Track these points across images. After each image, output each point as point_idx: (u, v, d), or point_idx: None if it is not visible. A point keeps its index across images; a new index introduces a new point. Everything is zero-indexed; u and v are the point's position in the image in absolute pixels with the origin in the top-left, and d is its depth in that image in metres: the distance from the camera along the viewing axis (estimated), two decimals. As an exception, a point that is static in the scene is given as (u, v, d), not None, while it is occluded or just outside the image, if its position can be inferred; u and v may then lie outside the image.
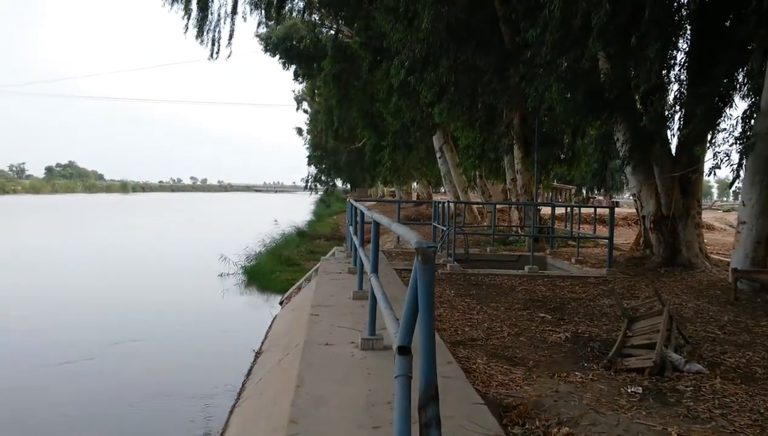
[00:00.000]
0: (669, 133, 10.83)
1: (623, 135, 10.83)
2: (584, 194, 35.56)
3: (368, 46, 18.04)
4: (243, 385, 6.43)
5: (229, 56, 21.64)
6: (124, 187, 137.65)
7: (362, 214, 6.76)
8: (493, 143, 15.61)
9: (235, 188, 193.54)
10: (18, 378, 7.61)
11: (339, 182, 53.38)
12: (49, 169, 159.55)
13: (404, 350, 2.44)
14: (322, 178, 47.45)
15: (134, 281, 15.31)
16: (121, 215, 45.88)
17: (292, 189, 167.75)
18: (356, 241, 7.28)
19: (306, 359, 4.37)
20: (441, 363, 2.22)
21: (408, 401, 2.27)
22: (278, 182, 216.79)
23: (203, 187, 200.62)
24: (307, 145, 49.95)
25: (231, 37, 21.06)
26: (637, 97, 10.47)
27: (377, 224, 4.81)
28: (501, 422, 3.45)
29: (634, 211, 22.13)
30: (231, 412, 5.63)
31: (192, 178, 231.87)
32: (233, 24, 20.93)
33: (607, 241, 10.66)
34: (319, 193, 53.47)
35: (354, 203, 9.00)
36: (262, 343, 8.17)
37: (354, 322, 5.52)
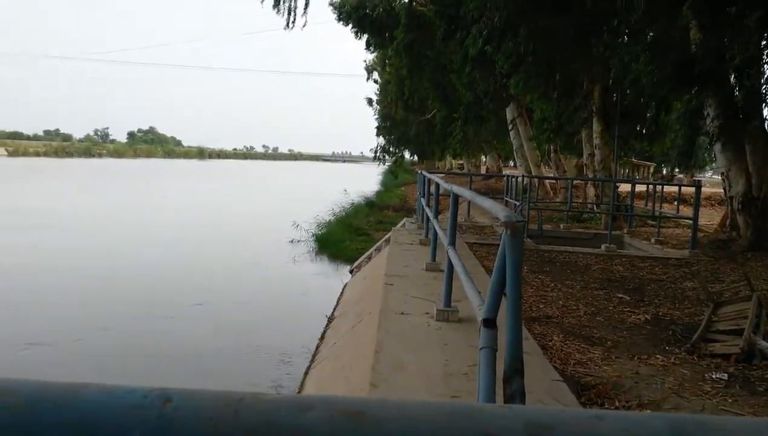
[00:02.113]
0: (765, 109, 10.16)
1: (714, 110, 10.22)
2: (664, 172, 33.97)
3: (443, 15, 17.69)
4: (317, 348, 6.64)
5: (304, 25, 21.89)
6: (201, 153, 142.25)
7: (437, 186, 6.75)
8: (569, 116, 15.11)
9: (304, 157, 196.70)
10: (105, 331, 8.07)
11: (407, 154, 53.25)
12: (131, 135, 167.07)
13: (490, 323, 2.46)
14: (391, 149, 47.50)
15: (211, 244, 15.98)
16: (200, 180, 47.70)
17: (360, 159, 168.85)
18: (429, 213, 7.30)
19: (383, 326, 4.46)
20: (519, 338, 2.24)
21: (493, 372, 2.29)
22: (346, 152, 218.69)
23: (274, 155, 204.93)
24: (376, 116, 49.99)
25: (306, 6, 21.26)
26: (731, 71, 9.84)
27: (456, 197, 4.79)
28: (579, 401, 3.42)
29: (717, 190, 21.05)
30: (306, 373, 5.84)
31: (264, 146, 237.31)
32: (309, -7, 21.06)
33: (690, 221, 10.19)
34: (386, 163, 53.66)
35: (427, 175, 8.99)
36: (334, 309, 8.38)
37: (428, 293, 5.57)
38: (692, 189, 11.32)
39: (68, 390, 0.46)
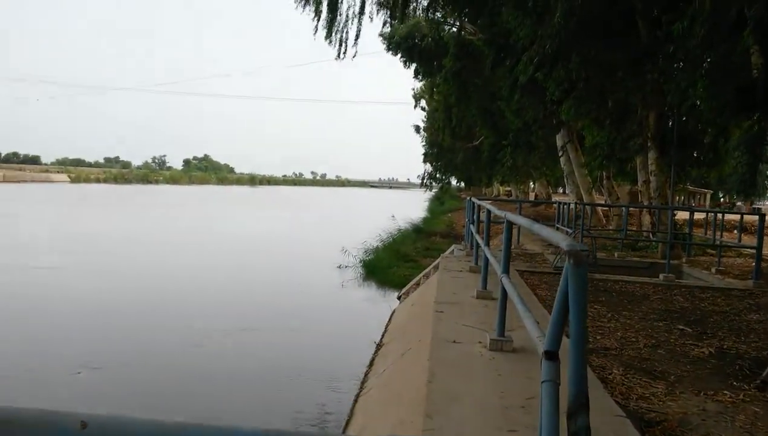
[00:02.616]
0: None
1: (777, 136, 9.84)
2: (721, 199, 32.76)
3: (492, 43, 17.74)
4: (365, 375, 6.59)
5: (354, 56, 22.17)
6: (252, 180, 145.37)
7: (488, 212, 6.67)
8: (622, 142, 14.79)
9: (351, 184, 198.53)
10: (154, 356, 8.18)
11: (453, 180, 53.12)
12: (186, 162, 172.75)
13: (552, 356, 2.37)
14: (438, 175, 47.48)
15: (261, 269, 16.24)
16: (253, 207, 48.69)
17: (407, 185, 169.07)
18: (480, 240, 7.20)
19: (435, 355, 4.40)
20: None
21: (556, 407, 2.21)
22: (393, 178, 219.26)
23: (322, 181, 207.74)
24: (423, 143, 50.17)
25: (357, 37, 21.55)
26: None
27: (510, 224, 4.73)
28: (644, 438, 3.27)
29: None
30: (355, 400, 5.79)
31: (313, 172, 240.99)
32: (360, 24, 21.40)
33: (752, 251, 9.75)
34: (433, 190, 53.67)
35: (477, 202, 8.92)
36: (383, 335, 8.33)
37: (479, 321, 5.48)
38: (753, 217, 10.83)
39: (173, 430, 0.46)
